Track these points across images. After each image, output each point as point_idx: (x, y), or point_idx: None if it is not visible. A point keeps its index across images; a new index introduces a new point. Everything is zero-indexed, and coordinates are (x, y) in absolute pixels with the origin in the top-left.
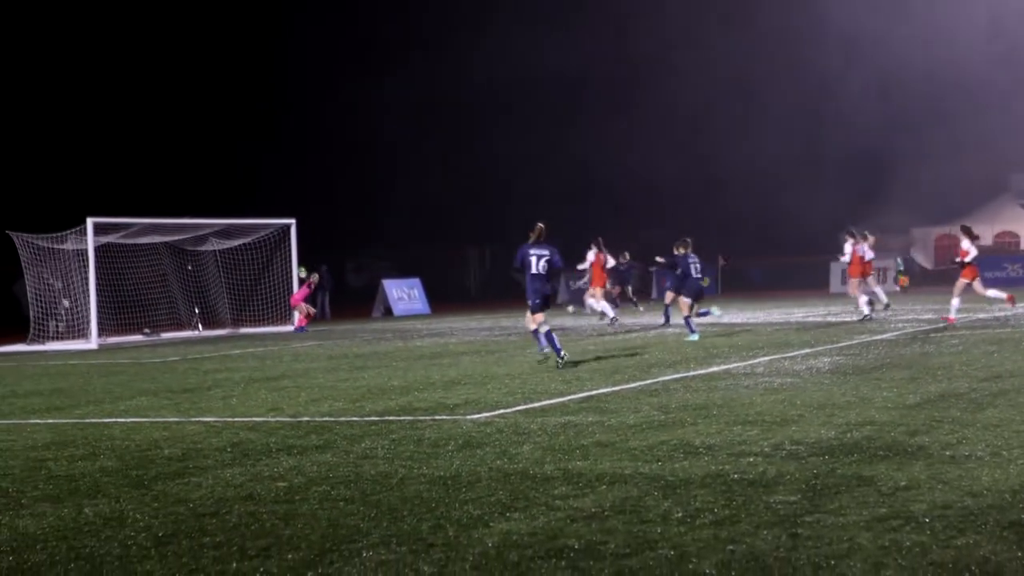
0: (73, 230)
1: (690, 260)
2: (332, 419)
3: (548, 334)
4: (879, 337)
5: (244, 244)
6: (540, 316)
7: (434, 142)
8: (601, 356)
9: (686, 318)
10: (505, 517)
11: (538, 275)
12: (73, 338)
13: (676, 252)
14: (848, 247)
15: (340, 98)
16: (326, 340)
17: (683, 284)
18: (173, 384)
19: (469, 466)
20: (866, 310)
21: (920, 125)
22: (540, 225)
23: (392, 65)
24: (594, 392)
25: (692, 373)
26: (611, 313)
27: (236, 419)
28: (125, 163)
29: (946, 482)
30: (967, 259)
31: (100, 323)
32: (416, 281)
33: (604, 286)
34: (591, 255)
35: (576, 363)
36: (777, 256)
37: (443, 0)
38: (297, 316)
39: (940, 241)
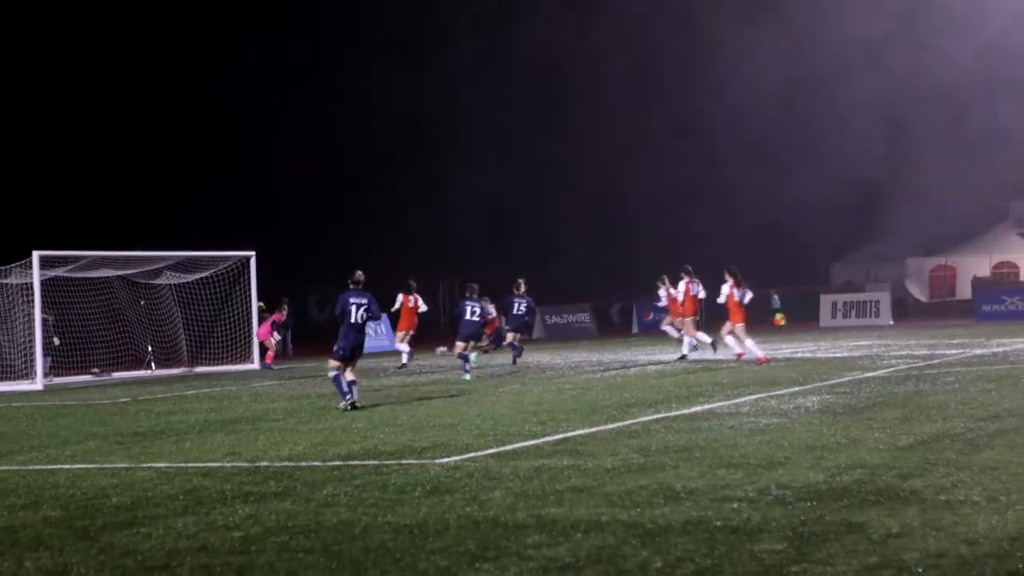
0: (17, 263)
1: (466, 304)
2: (292, 464)
3: (336, 378)
4: (871, 375)
5: (202, 278)
6: (338, 364)
7: (402, 169)
8: (577, 395)
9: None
10: (474, 568)
11: (355, 325)
12: (16, 378)
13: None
14: (681, 285)
15: (304, 124)
16: (287, 379)
17: (459, 325)
18: (123, 427)
19: (437, 513)
20: (685, 350)
21: (915, 153)
22: (359, 273)
23: (354, 90)
24: (570, 434)
25: (673, 413)
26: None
27: (190, 464)
28: (73, 194)
29: (940, 529)
30: (736, 299)
31: (47, 362)
32: (382, 316)
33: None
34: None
35: (363, 407)
36: (766, 288)
37: (409, 21)
38: (267, 352)
39: (935, 272)
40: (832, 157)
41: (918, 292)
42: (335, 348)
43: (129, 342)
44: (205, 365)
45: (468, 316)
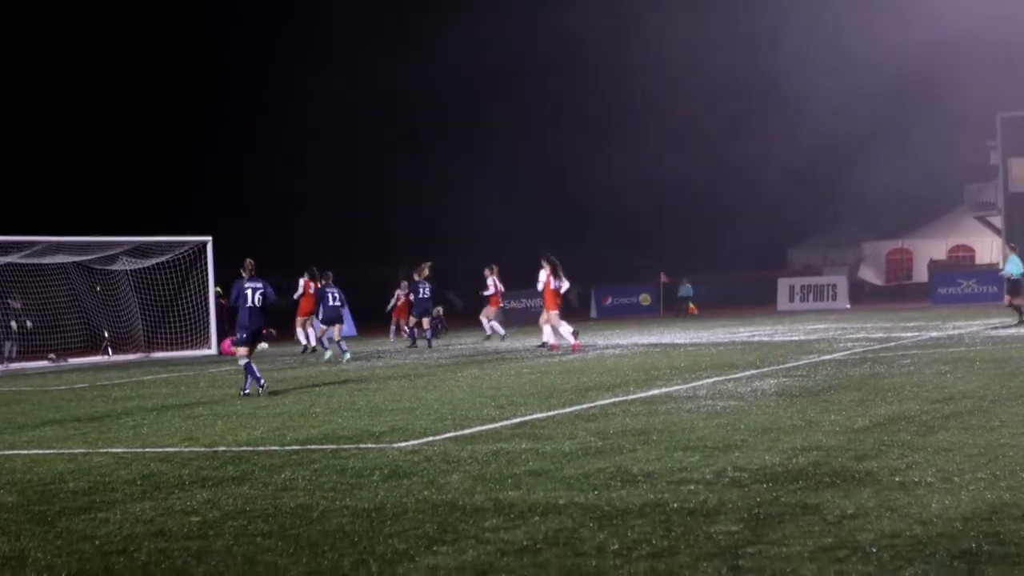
0: None
1: (327, 290)
2: (250, 448)
3: (247, 365)
4: (828, 357)
5: (158, 263)
6: (244, 349)
7: (365, 158)
8: (536, 379)
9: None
10: (432, 551)
11: (253, 308)
12: None
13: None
14: (543, 275)
15: (261, 106)
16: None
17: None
18: (80, 413)
19: (395, 497)
20: (550, 339)
21: (870, 137)
22: (250, 260)
23: (316, 78)
24: (528, 417)
25: (631, 396)
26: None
27: (147, 450)
28: (26, 179)
29: (895, 509)
30: (552, 287)
31: (12, 347)
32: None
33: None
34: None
35: (275, 393)
36: (722, 272)
37: (363, 15)
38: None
39: (892, 255)
40: (788, 142)
41: (875, 276)
42: (237, 335)
43: (85, 328)
44: (162, 351)
45: (330, 302)
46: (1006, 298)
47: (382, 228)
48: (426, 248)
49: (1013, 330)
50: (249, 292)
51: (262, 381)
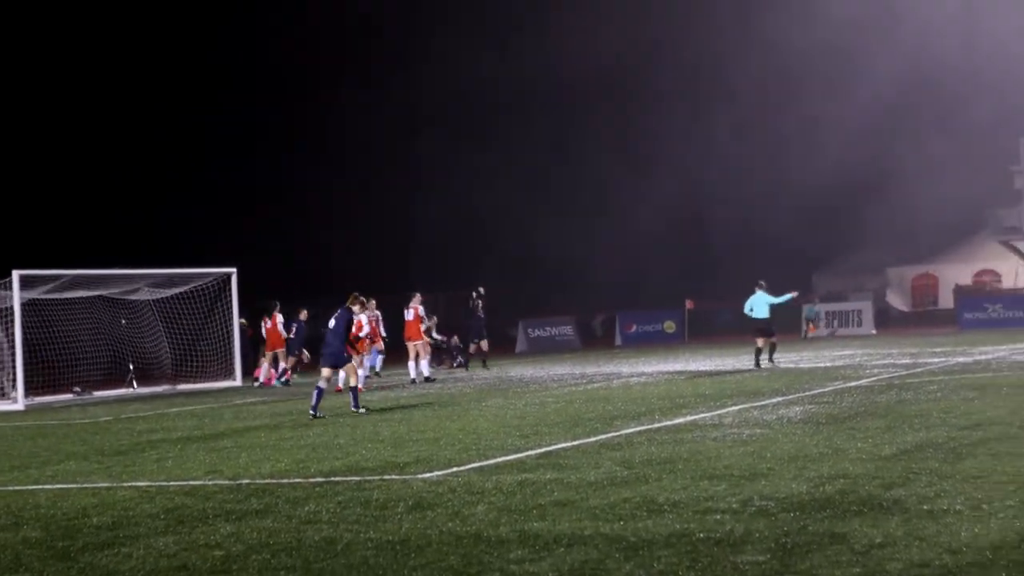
0: None
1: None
2: (274, 481)
3: (317, 389)
4: (854, 384)
5: (182, 293)
6: (325, 372)
7: (378, 189)
8: (560, 408)
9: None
10: None
11: (328, 332)
12: None
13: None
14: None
15: (286, 141)
16: (269, 396)
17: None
18: (104, 446)
19: (419, 529)
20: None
21: (893, 162)
22: (353, 294)
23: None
24: (553, 447)
25: (657, 425)
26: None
27: (171, 483)
28: (51, 214)
29: (923, 538)
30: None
31: (27, 382)
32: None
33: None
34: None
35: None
36: (746, 298)
37: (378, 45)
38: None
39: (917, 281)
40: (811, 167)
41: (900, 301)
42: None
43: (110, 360)
44: (187, 383)
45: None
46: None
47: (401, 257)
48: (440, 277)
49: None
50: (332, 320)
51: (317, 411)
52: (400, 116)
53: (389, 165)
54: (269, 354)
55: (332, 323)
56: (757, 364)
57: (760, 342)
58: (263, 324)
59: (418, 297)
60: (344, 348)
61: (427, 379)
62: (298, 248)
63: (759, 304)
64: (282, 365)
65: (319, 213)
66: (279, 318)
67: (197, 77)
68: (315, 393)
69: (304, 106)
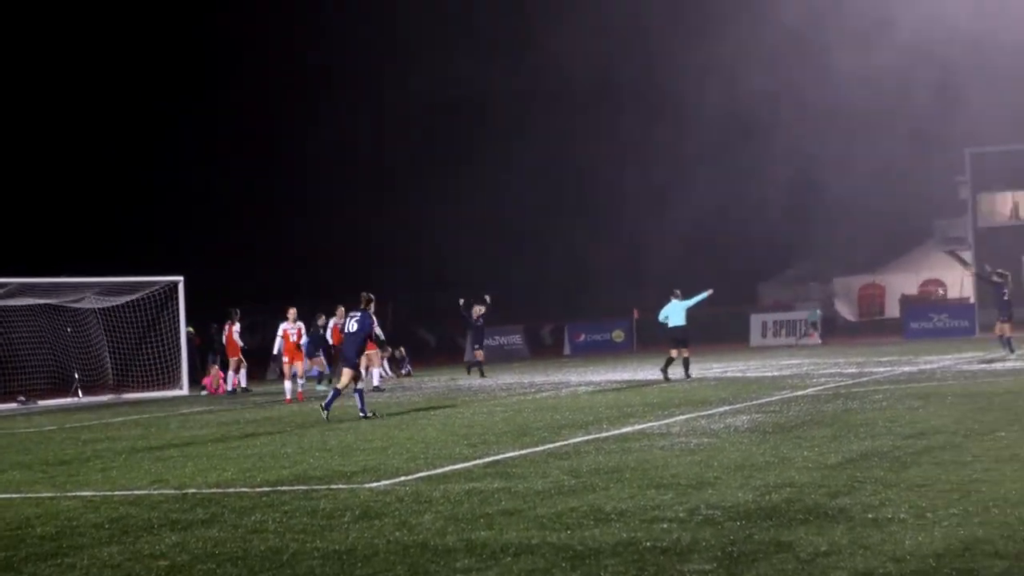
0: None
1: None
2: (220, 490)
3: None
4: (800, 393)
5: (129, 302)
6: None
7: (329, 195)
8: (508, 417)
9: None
10: None
11: (347, 335)
12: None
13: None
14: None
15: (240, 149)
16: (216, 405)
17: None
18: (48, 456)
19: (366, 538)
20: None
21: (840, 171)
22: (363, 293)
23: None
24: (501, 456)
25: (605, 434)
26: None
27: (116, 493)
28: None
29: (868, 547)
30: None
31: None
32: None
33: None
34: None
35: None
36: (694, 308)
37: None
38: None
39: (864, 290)
40: (757, 176)
41: (847, 311)
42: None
43: (55, 369)
44: (132, 391)
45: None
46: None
47: (356, 268)
48: (401, 286)
49: (985, 365)
50: (347, 321)
51: (329, 407)
52: (360, 130)
53: (351, 177)
54: (233, 360)
55: (354, 326)
56: (665, 375)
57: (674, 352)
58: (223, 331)
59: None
60: (359, 351)
61: (375, 388)
62: (247, 256)
63: (675, 312)
64: (231, 374)
65: (269, 221)
66: (236, 327)
67: (152, 83)
68: (331, 393)
69: (260, 116)
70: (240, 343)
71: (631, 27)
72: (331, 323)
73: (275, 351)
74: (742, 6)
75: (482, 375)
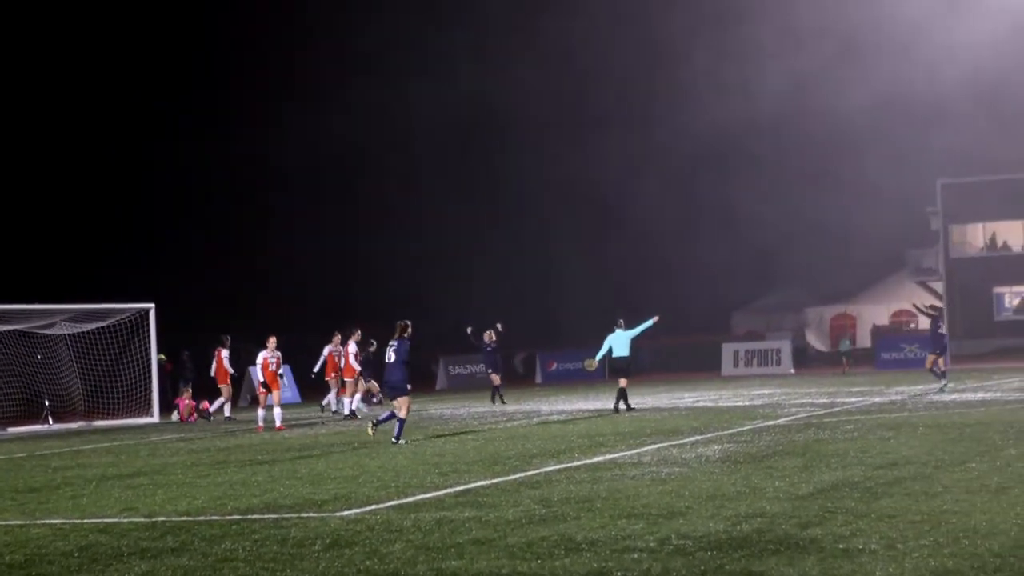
0: None
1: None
2: (190, 519)
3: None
4: (772, 423)
5: (98, 329)
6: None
7: (304, 221)
8: (480, 446)
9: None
10: None
11: (387, 364)
12: None
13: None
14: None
15: (209, 174)
16: (187, 432)
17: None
18: (18, 483)
19: (336, 568)
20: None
21: (812, 202)
22: (399, 322)
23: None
24: (472, 485)
25: (576, 463)
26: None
27: (86, 520)
28: None
29: None
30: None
31: None
32: (286, 368)
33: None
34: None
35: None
36: (667, 337)
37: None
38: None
39: (836, 320)
40: (730, 207)
41: (819, 341)
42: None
43: (25, 396)
44: (103, 419)
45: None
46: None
47: (328, 295)
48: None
49: (957, 395)
50: (387, 350)
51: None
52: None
53: (330, 202)
54: (224, 388)
55: (391, 356)
56: (616, 407)
57: (623, 382)
58: (213, 357)
59: (358, 333)
60: (405, 378)
61: (350, 413)
62: (220, 284)
63: (618, 342)
64: (219, 400)
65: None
66: (225, 352)
67: (124, 108)
68: (385, 413)
69: (236, 141)
70: (230, 370)
71: (604, 53)
72: (326, 350)
73: (259, 379)
74: (714, 34)
75: (502, 401)
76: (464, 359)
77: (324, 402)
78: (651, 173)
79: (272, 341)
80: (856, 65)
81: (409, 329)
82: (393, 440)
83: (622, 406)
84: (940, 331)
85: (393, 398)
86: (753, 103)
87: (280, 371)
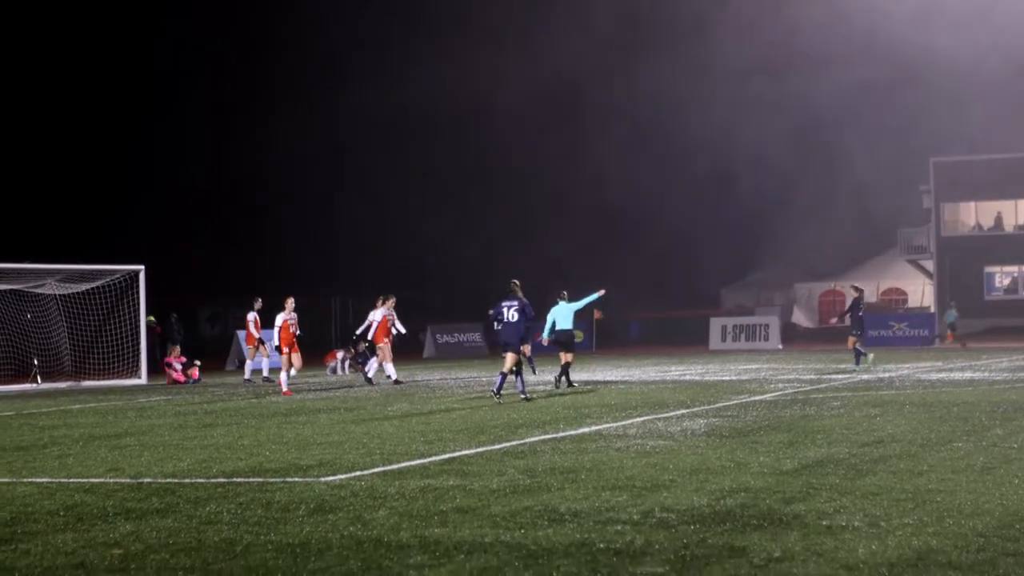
0: None
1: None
2: (176, 480)
3: (515, 374)
4: (758, 398)
5: (89, 290)
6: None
7: (293, 190)
8: (466, 415)
9: None
10: None
11: (507, 323)
12: None
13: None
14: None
15: (199, 139)
16: (174, 395)
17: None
18: (5, 441)
19: (320, 532)
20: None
21: (803, 179)
22: (513, 280)
23: (254, 113)
24: (457, 453)
25: (561, 434)
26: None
27: (72, 480)
28: None
29: (821, 554)
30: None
31: None
32: (271, 332)
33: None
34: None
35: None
36: (655, 311)
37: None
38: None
39: (824, 297)
40: (722, 183)
41: (807, 317)
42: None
43: (14, 355)
44: (91, 379)
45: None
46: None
47: (317, 258)
48: (367, 278)
49: (944, 374)
50: (505, 309)
51: (525, 392)
52: (324, 134)
53: (317, 174)
54: (250, 349)
55: (514, 315)
56: (557, 382)
57: (566, 357)
58: (244, 319)
59: (393, 299)
60: (522, 338)
61: (367, 380)
62: (213, 247)
63: (561, 315)
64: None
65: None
66: (253, 315)
67: (119, 76)
68: (499, 378)
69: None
70: (256, 334)
71: (600, 41)
72: (377, 315)
73: (275, 343)
74: (702, 22)
75: (532, 371)
76: (451, 328)
77: (368, 372)
78: (645, 158)
79: (290, 302)
80: (849, 43)
81: (519, 287)
82: (523, 396)
83: (563, 382)
84: (860, 313)
85: (506, 352)
86: (754, 86)
87: (297, 332)
